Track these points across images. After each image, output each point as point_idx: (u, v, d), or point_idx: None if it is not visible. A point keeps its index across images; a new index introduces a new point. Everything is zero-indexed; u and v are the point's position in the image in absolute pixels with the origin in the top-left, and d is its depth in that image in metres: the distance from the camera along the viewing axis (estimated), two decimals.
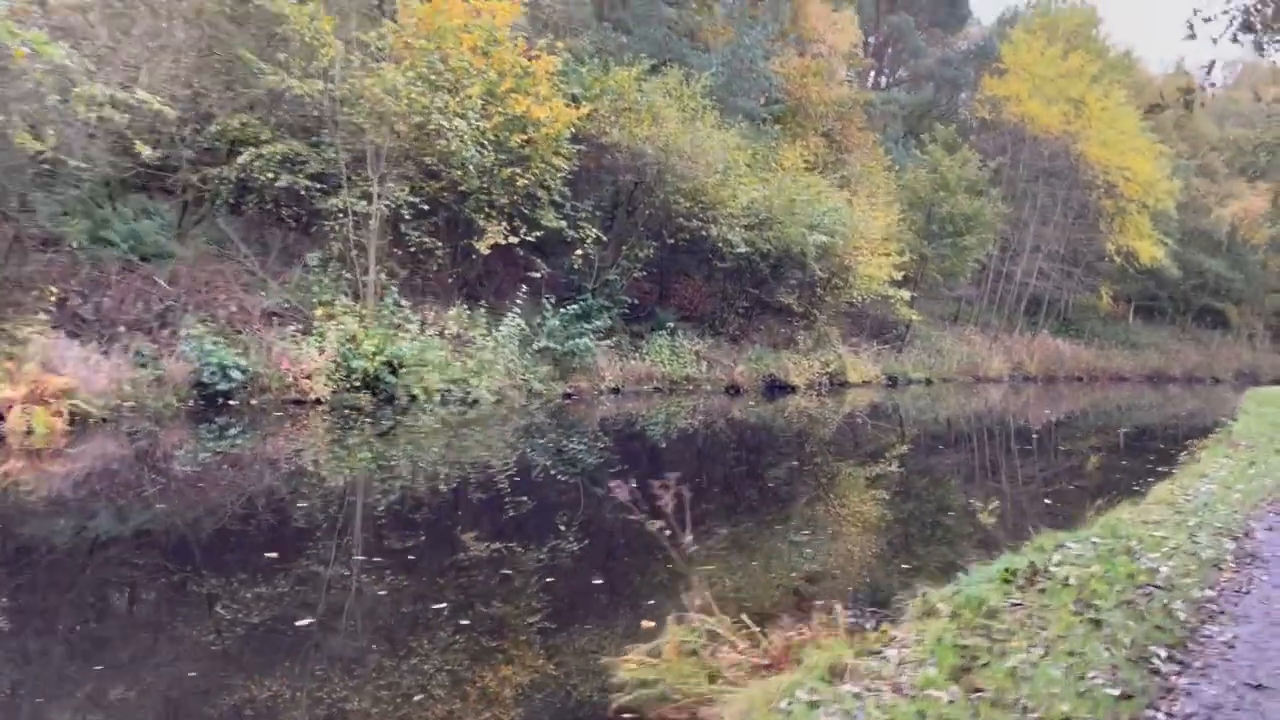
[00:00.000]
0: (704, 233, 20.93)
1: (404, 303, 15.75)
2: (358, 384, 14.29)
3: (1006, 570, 4.73)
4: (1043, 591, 4.44)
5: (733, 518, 10.02)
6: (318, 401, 13.87)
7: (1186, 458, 12.73)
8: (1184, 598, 4.64)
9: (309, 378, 13.69)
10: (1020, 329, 40.53)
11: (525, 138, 17.08)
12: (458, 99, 16.21)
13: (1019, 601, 4.22)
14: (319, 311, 14.97)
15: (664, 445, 14.95)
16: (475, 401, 15.73)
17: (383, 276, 16.23)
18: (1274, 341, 52.76)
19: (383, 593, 6.32)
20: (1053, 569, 4.80)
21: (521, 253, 19.07)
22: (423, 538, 8.07)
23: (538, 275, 18.81)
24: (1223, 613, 4.55)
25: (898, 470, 14.79)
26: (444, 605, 5.98)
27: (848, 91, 31.62)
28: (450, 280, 18.07)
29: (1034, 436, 20.81)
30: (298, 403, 13.66)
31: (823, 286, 27.26)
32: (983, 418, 25.30)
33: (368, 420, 13.57)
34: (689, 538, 4.10)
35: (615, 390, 19.30)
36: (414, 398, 14.56)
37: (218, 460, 10.65)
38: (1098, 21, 44.27)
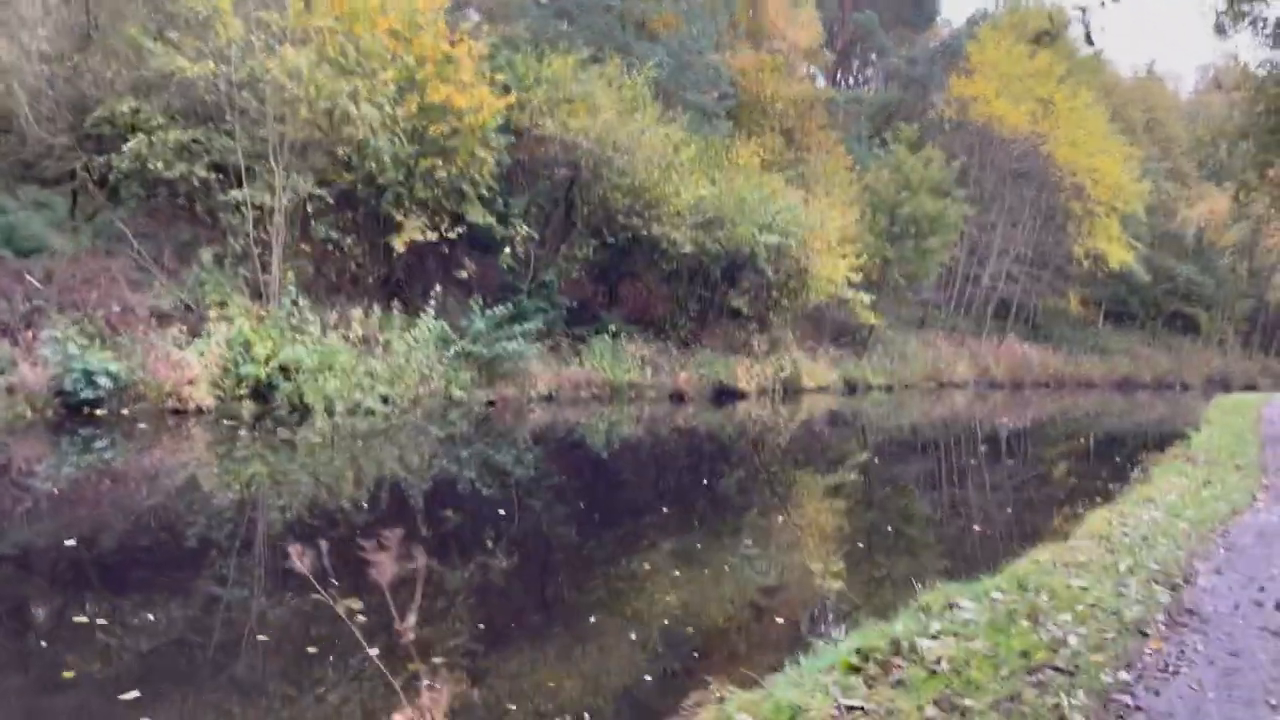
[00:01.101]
0: (645, 232, 19.84)
1: (302, 303, 14.53)
2: (247, 392, 13.11)
3: (859, 651, 3.63)
4: (899, 685, 3.36)
5: (678, 531, 9.46)
6: (201, 411, 12.69)
7: (1139, 475, 11.70)
8: (1088, 687, 3.57)
9: (190, 384, 12.49)
10: (988, 333, 39.70)
11: (447, 128, 15.95)
12: (369, 85, 15.08)
13: (858, 704, 3.14)
14: (213, 313, 13.79)
15: (590, 456, 13.99)
16: (383, 410, 14.61)
17: (290, 275, 15.06)
18: (1244, 347, 52.26)
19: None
20: (923, 646, 3.72)
21: (447, 251, 17.98)
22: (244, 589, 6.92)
23: (465, 275, 17.69)
24: (1138, 710, 3.49)
25: (857, 479, 14.12)
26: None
27: (807, 89, 30.61)
28: (369, 280, 16.90)
29: (1000, 444, 20.14)
30: (177, 412, 12.45)
31: (778, 289, 26.24)
32: (948, 425, 24.52)
33: (253, 433, 12.39)
34: (410, 623, 2.96)
35: (549, 397, 18.18)
36: (309, 407, 13.39)
37: (52, 478, 9.45)
38: (1067, 22, 43.52)
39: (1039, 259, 42.41)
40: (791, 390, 24.93)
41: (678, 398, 21.00)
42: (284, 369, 13.42)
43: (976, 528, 10.60)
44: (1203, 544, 6.76)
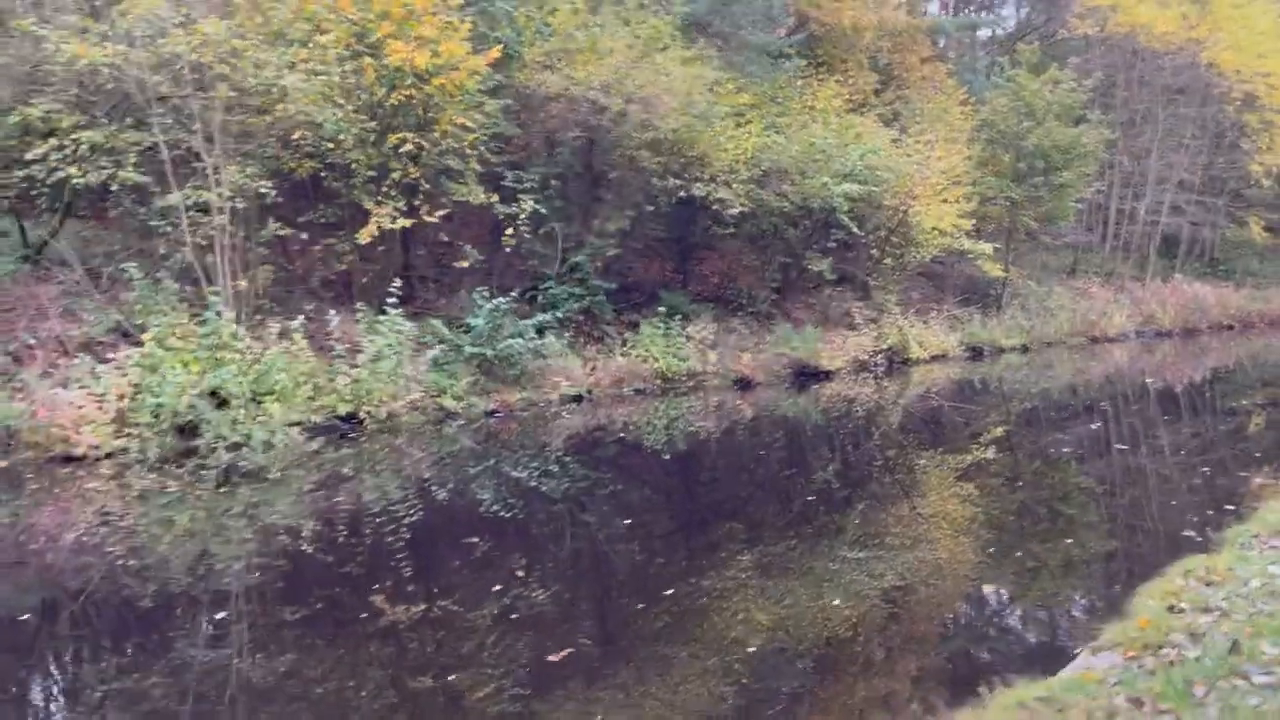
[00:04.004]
0: (685, 194, 16.91)
1: (246, 314, 12.41)
2: (168, 427, 11.05)
3: None
4: None
5: (763, 539, 8.62)
6: (105, 456, 10.70)
7: None
8: None
9: (88, 425, 10.52)
10: (1152, 275, 34.56)
11: (408, 93, 13.54)
12: (310, 52, 12.85)
13: None
14: (148, 335, 11.84)
15: (635, 463, 12.40)
16: (354, 431, 12.39)
17: (243, 283, 13.03)
18: None
19: None
20: None
21: (446, 238, 15.63)
22: None
23: (466, 264, 15.28)
24: None
25: (996, 456, 13.04)
26: None
27: (898, 16, 26.73)
28: (338, 280, 14.71)
29: (1176, 400, 18.47)
30: (71, 459, 10.49)
31: (877, 247, 22.79)
32: (1105, 384, 21.23)
33: (162, 478, 10.31)
34: None
35: (577, 398, 15.55)
36: (244, 440, 11.20)
37: None
38: None
39: (1210, 185, 36.83)
40: (898, 363, 21.44)
41: (744, 384, 17.97)
42: (215, 395, 11.32)
43: (1152, 499, 9.88)
44: None
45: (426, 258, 16.98)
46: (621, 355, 17.11)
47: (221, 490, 10.03)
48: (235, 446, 10.97)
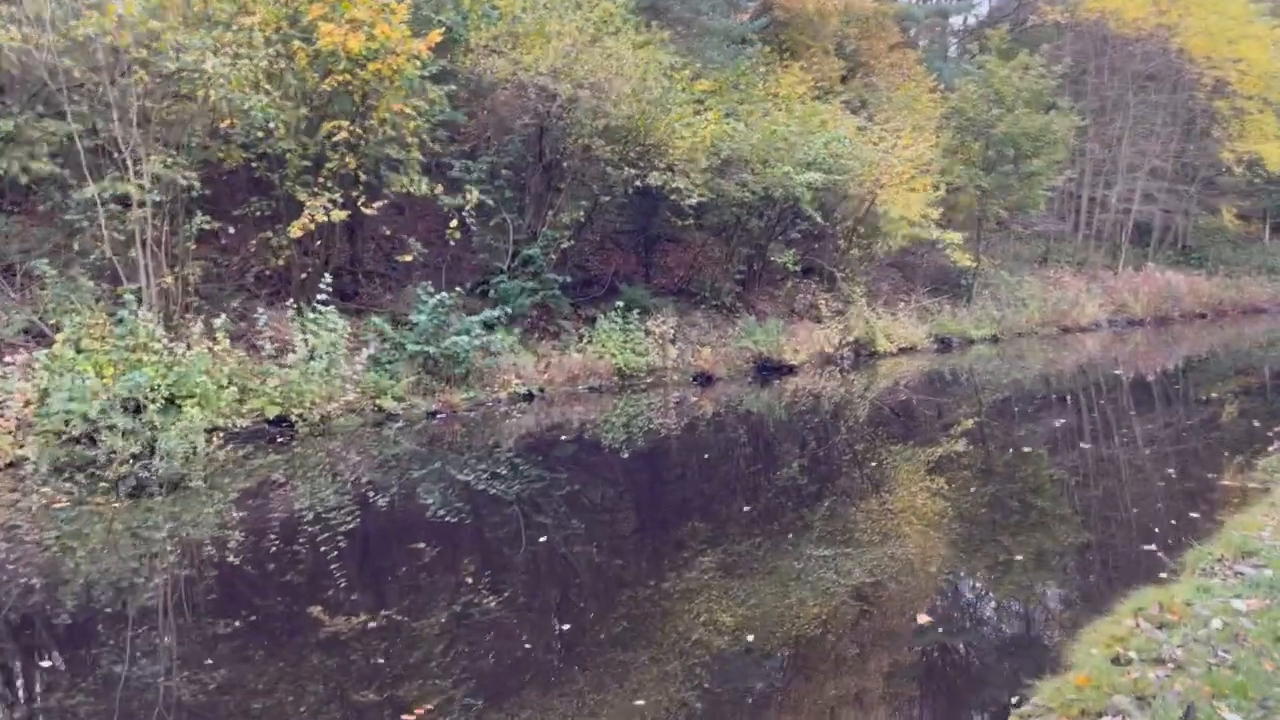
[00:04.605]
0: (641, 183, 16.29)
1: (144, 314, 11.60)
2: (78, 435, 10.36)
3: None
4: None
5: (725, 539, 8.37)
6: (7, 465, 10.00)
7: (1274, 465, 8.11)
8: None
9: None
10: (1125, 263, 34.23)
11: (342, 79, 12.86)
12: (234, 36, 12.15)
13: None
14: (60, 337, 11.14)
15: (593, 462, 11.68)
16: (285, 436, 11.73)
17: (167, 280, 12.33)
18: None
19: None
20: None
21: (389, 232, 14.98)
22: None
23: (411, 259, 14.62)
24: None
25: (966, 449, 12.87)
26: None
27: (867, 3, 26.18)
28: (271, 276, 14.03)
29: (1149, 389, 18.53)
30: None
31: (845, 237, 22.29)
32: (1078, 374, 21.01)
33: (60, 490, 9.62)
34: None
35: (528, 396, 14.93)
36: (154, 447, 10.51)
37: None
38: None
39: (1181, 172, 36.61)
40: (864, 355, 20.94)
41: (704, 379, 17.40)
42: (131, 401, 10.63)
43: (1125, 490, 9.77)
44: None
45: (375, 252, 16.31)
46: (577, 351, 16.52)
47: (135, 501, 9.36)
48: (148, 454, 10.27)
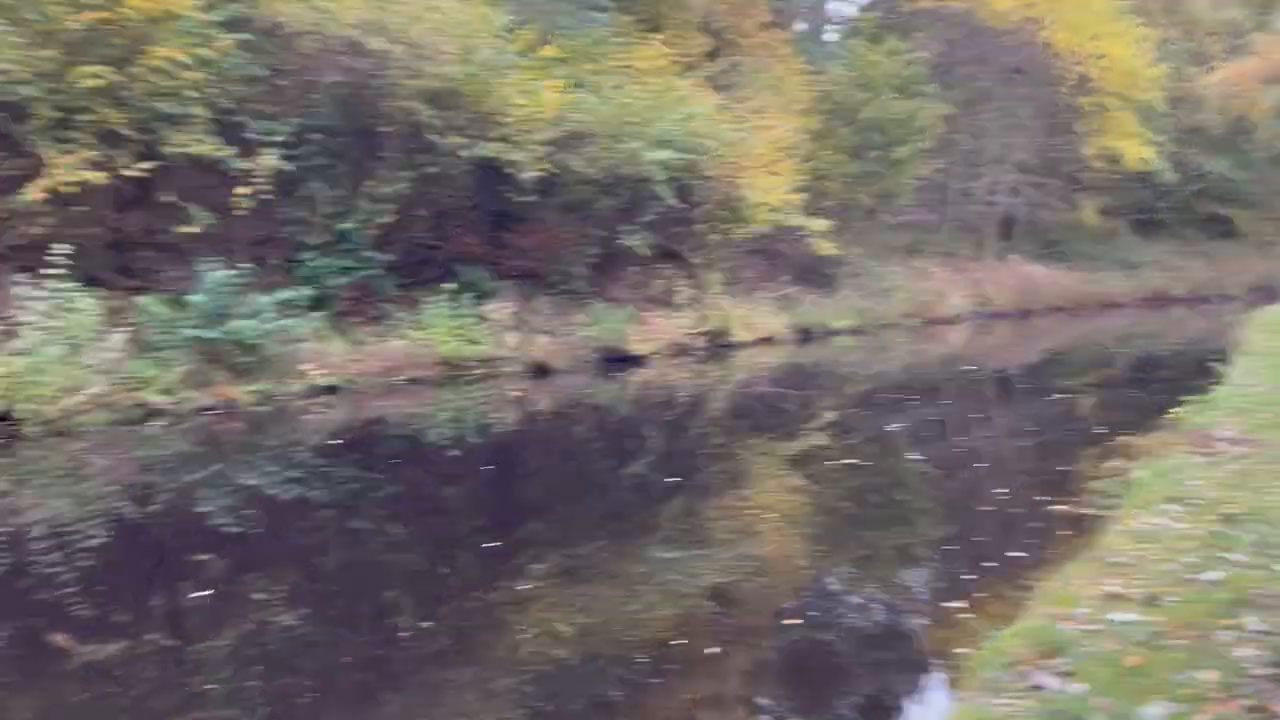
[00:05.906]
0: (468, 153, 14.76)
1: None
2: None
3: None
4: None
5: (564, 543, 7.80)
6: None
7: (1114, 488, 7.08)
8: None
9: None
10: (990, 256, 34.25)
11: (99, 16, 10.97)
12: None
13: None
14: None
15: (405, 468, 10.59)
16: (7, 437, 9.89)
17: None
18: None
19: None
20: None
21: (172, 199, 13.12)
22: None
23: (197, 230, 12.79)
24: None
25: (825, 444, 12.42)
26: None
27: None
28: (23, 246, 12.01)
29: (1010, 382, 18.53)
30: None
31: (702, 221, 21.16)
32: (938, 369, 20.56)
33: None
34: None
35: (331, 389, 13.30)
36: None
37: None
38: None
39: (1046, 166, 36.83)
40: (720, 346, 19.90)
41: (541, 371, 16.04)
42: None
43: (986, 483, 9.44)
44: None
45: (162, 224, 14.36)
46: (399, 338, 14.94)
47: None
48: None
